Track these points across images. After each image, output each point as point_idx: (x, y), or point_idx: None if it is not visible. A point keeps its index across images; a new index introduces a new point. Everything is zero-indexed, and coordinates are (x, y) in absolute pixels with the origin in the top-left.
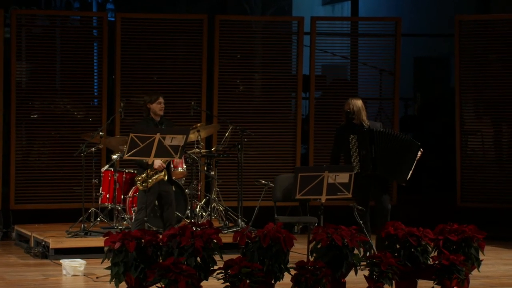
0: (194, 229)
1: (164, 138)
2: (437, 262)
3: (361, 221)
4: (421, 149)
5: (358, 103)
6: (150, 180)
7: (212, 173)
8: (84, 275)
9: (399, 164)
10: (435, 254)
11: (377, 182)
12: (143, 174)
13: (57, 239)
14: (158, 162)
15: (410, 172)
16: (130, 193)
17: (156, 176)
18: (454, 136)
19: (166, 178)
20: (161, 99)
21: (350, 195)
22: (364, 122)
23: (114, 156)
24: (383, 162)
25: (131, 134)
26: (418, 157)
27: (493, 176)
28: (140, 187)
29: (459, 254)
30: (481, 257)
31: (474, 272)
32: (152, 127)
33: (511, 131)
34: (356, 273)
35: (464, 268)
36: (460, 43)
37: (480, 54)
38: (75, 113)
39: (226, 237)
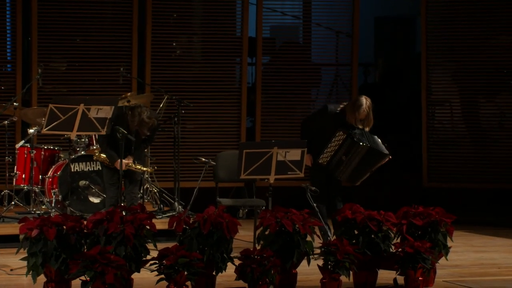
0: (123, 213)
1: (88, 110)
2: (400, 249)
3: (314, 204)
4: (390, 156)
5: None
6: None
7: (145, 150)
8: None
9: (362, 173)
10: (398, 240)
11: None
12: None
13: None
14: (124, 164)
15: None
16: (49, 172)
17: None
18: (419, 107)
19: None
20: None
21: (302, 174)
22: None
23: (31, 130)
24: (353, 176)
25: (51, 105)
26: (383, 163)
27: (463, 153)
28: (101, 158)
29: (424, 241)
30: (449, 243)
31: (442, 261)
32: (125, 124)
33: (484, 101)
34: (308, 263)
35: (431, 257)
36: (427, 1)
37: (450, 14)
38: None
39: (161, 223)
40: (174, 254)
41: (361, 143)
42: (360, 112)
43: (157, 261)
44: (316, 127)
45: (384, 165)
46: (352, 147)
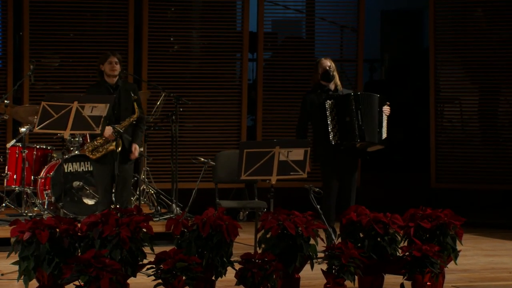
0: (119, 216)
1: (83, 107)
2: (407, 253)
3: (318, 206)
4: (388, 102)
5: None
6: (100, 149)
7: (141, 149)
8: None
9: (376, 127)
10: (405, 244)
11: (351, 156)
12: (93, 142)
13: None
14: (108, 131)
15: (385, 130)
16: (42, 173)
17: (107, 145)
18: (427, 104)
19: (118, 149)
20: (112, 58)
21: (305, 175)
22: (339, 86)
23: (23, 129)
24: (368, 129)
25: (43, 103)
26: (387, 111)
27: (473, 152)
28: (90, 156)
29: (433, 244)
30: (458, 247)
31: (451, 265)
32: (104, 92)
33: (496, 99)
34: (312, 267)
35: (439, 261)
36: None
37: (459, 7)
38: None
39: (158, 226)
40: (172, 258)
41: (351, 94)
42: (322, 62)
43: (154, 265)
44: (309, 118)
45: (390, 165)
46: (345, 103)
